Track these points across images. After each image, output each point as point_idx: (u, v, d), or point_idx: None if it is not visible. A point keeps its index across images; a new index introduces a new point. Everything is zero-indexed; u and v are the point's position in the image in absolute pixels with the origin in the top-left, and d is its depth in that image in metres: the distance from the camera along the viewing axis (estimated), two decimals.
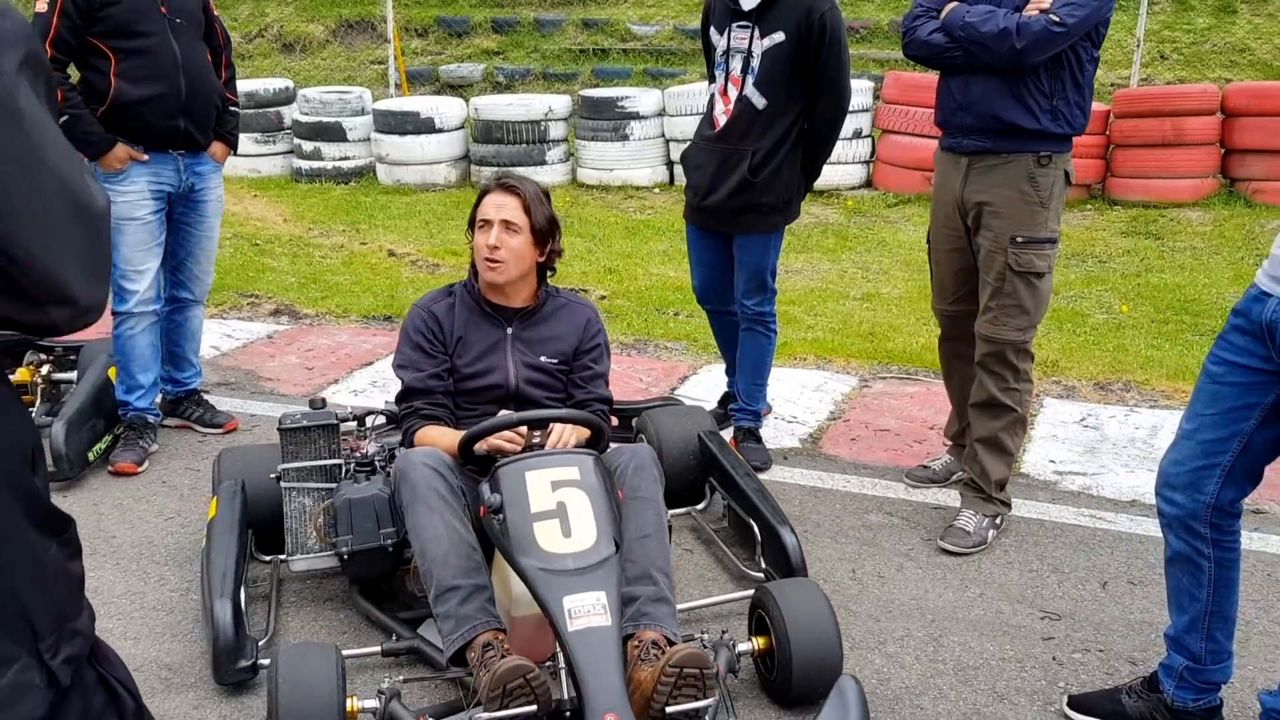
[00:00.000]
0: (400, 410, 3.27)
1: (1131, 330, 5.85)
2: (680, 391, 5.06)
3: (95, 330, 4.23)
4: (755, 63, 3.94)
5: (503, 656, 2.54)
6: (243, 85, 8.08)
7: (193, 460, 4.37)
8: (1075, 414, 4.78)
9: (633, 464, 2.94)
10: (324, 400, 3.44)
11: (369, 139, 9.89)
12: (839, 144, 4.11)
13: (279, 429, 3.34)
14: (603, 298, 6.52)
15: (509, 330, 3.26)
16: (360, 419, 3.67)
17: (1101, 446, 4.45)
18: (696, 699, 2.47)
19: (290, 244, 7.98)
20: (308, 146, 9.96)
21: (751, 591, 3.04)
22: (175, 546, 3.69)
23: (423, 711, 2.66)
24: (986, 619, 3.26)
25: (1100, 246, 7.52)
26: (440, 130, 9.59)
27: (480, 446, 2.94)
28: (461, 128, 9.83)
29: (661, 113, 9.43)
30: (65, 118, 3.90)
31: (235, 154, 4.58)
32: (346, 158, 9.93)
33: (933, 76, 3.67)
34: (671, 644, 2.65)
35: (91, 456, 4.22)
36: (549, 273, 3.31)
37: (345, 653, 2.75)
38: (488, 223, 3.17)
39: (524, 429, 2.93)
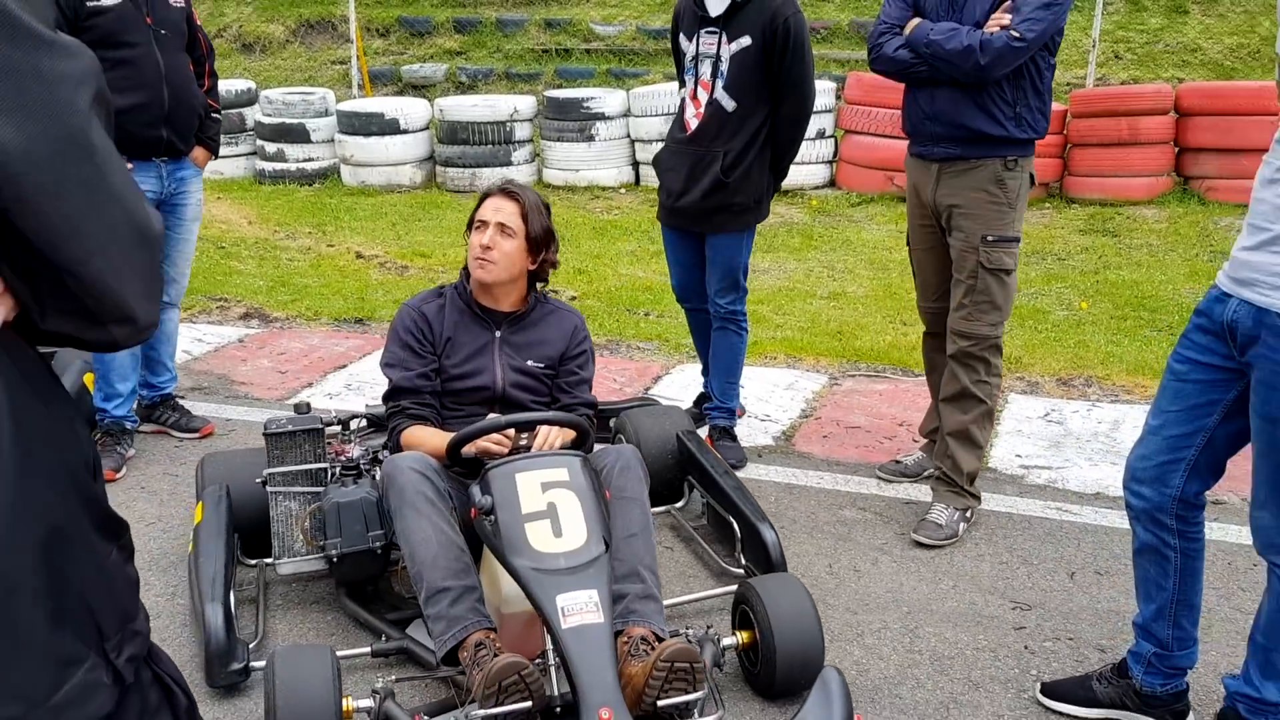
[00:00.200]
0: (387, 409, 3.32)
1: (1091, 326, 6.00)
2: (654, 391, 5.13)
3: None
4: (724, 67, 4.04)
5: (495, 655, 2.60)
6: None
7: (170, 465, 4.38)
8: (1039, 409, 4.91)
9: (619, 464, 3.01)
10: (308, 405, 3.47)
11: (333, 140, 9.87)
12: (803, 144, 4.23)
13: (264, 434, 3.37)
14: (573, 298, 6.58)
15: (497, 333, 3.32)
16: (344, 423, 3.71)
17: (1065, 441, 4.57)
18: (687, 692, 2.54)
19: (257, 246, 7.96)
20: (271, 148, 9.93)
21: (734, 587, 3.11)
22: (158, 552, 3.71)
23: (416, 710, 2.71)
24: (960, 610, 3.36)
25: (1059, 244, 7.69)
26: (405, 131, 9.60)
27: (468, 449, 3.00)
28: (426, 129, 9.84)
29: (627, 113, 9.49)
30: None
31: (216, 158, 4.61)
32: (310, 159, 9.91)
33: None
34: (660, 639, 2.72)
35: None
36: (540, 282, 3.38)
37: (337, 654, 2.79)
38: (484, 223, 3.26)
39: (511, 431, 2.99)
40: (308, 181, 9.86)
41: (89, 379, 4.43)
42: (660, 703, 2.52)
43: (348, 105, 9.95)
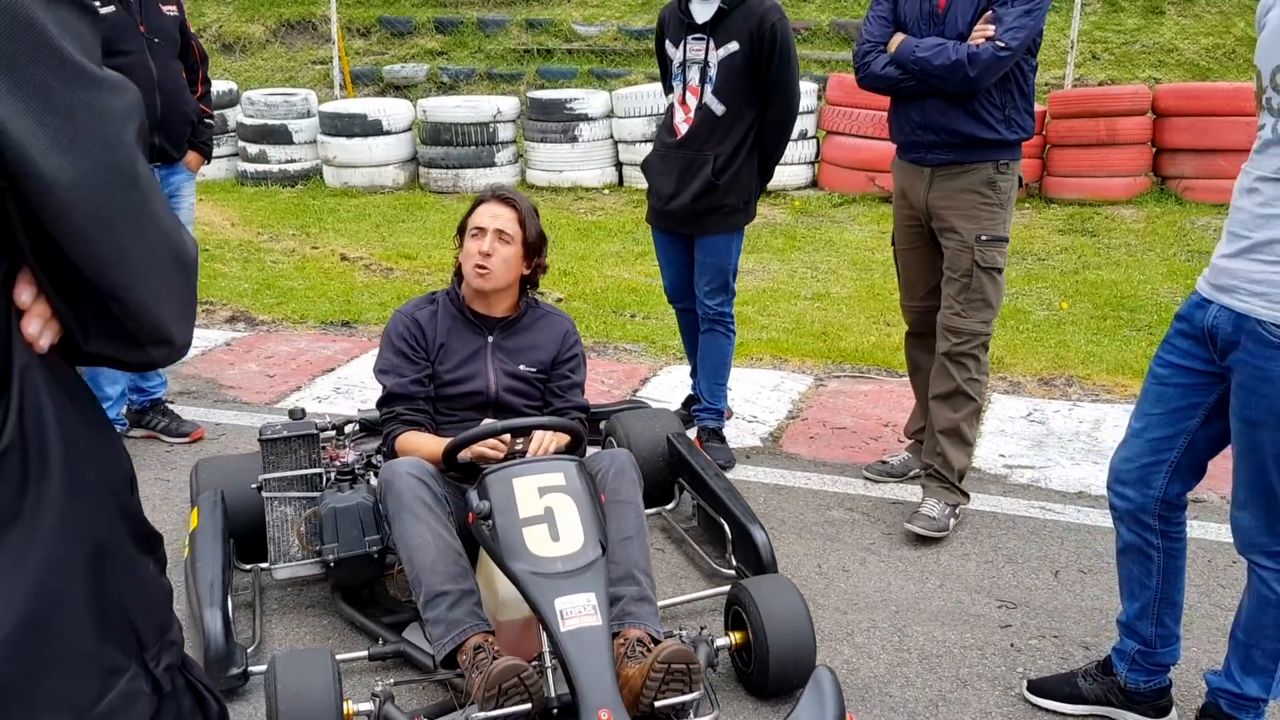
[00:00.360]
0: (381, 415, 3.35)
1: (1072, 326, 6.08)
2: (642, 393, 5.17)
3: None
4: (713, 72, 4.10)
5: (494, 658, 2.64)
6: None
7: (161, 471, 4.39)
8: (1022, 409, 4.98)
9: (613, 468, 3.06)
10: (303, 410, 3.50)
11: (315, 141, 9.86)
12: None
13: (260, 439, 3.40)
14: (559, 300, 6.61)
15: (490, 339, 3.36)
16: (339, 428, 3.74)
17: (1048, 440, 4.65)
18: (683, 693, 2.59)
19: (240, 249, 7.96)
20: (253, 149, 9.91)
21: (726, 588, 3.16)
22: None
23: (416, 713, 2.74)
24: (947, 609, 3.42)
25: (1039, 244, 7.77)
26: (388, 132, 9.60)
27: (464, 454, 3.03)
28: (409, 130, 9.85)
29: (610, 114, 9.52)
30: None
31: (209, 162, 4.64)
32: (293, 160, 9.90)
33: None
34: (655, 641, 2.77)
35: None
36: (531, 286, 3.42)
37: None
38: (481, 230, 3.28)
39: (507, 436, 3.03)
40: (290, 183, 9.85)
41: None
42: (657, 703, 2.57)
43: (330, 106, 9.94)
